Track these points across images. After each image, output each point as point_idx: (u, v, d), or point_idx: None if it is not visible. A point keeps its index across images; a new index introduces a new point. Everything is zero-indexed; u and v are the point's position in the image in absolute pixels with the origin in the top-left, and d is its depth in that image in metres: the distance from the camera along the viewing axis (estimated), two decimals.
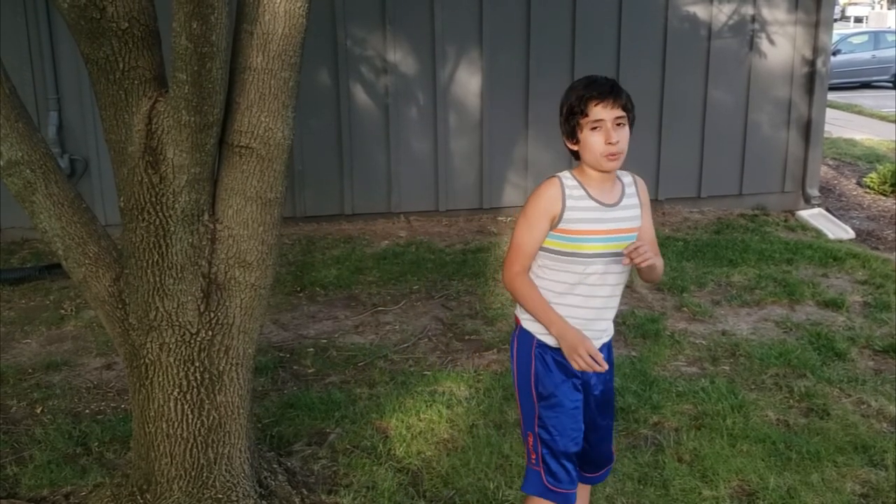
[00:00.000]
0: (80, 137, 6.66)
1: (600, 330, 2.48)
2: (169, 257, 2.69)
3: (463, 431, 3.64)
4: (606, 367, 2.37)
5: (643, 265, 2.31)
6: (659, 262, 2.46)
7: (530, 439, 2.49)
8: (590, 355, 2.31)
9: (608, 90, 2.29)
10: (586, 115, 2.29)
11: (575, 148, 2.37)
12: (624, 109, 2.31)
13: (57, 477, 3.29)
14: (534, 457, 2.48)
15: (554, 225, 2.35)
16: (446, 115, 7.17)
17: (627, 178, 2.49)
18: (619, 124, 2.30)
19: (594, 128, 2.29)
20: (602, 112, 2.28)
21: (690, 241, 6.67)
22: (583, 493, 2.72)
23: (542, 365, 2.44)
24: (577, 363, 2.31)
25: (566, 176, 2.39)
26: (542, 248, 2.40)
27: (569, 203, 2.34)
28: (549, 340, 2.44)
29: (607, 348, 2.55)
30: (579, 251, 2.36)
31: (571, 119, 2.33)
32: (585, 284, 2.39)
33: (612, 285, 2.43)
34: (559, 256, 2.38)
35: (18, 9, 6.36)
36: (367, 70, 7.02)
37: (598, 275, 2.38)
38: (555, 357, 2.43)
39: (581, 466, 2.57)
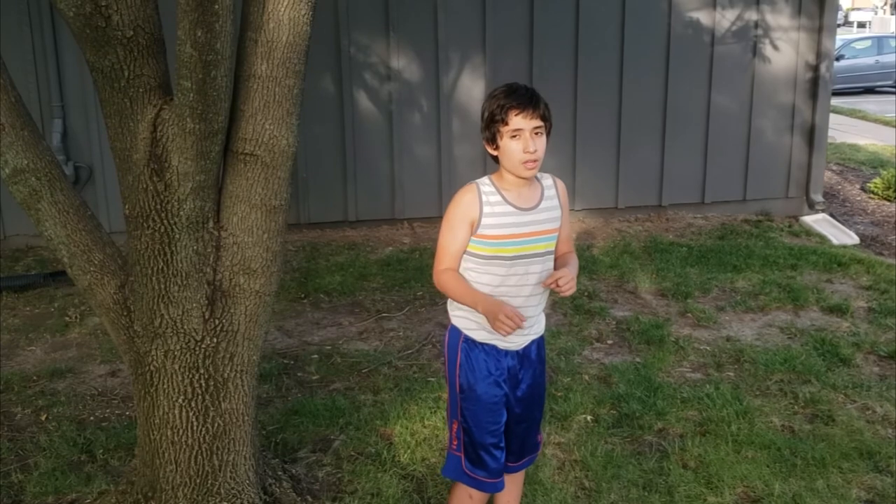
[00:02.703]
0: (84, 145, 6.67)
1: (526, 327, 2.52)
2: (174, 265, 2.69)
3: None
4: (525, 319, 2.38)
5: (567, 294, 2.41)
6: (574, 271, 2.52)
7: (454, 426, 2.60)
8: (509, 317, 2.31)
9: (528, 100, 2.38)
10: (506, 124, 2.39)
11: (495, 153, 2.46)
12: (542, 119, 2.40)
13: (61, 484, 3.30)
14: (455, 443, 2.60)
15: (474, 230, 2.44)
16: (450, 122, 7.18)
17: (547, 180, 2.58)
18: (537, 133, 2.40)
19: (513, 136, 2.39)
20: (521, 122, 2.37)
21: (694, 246, 6.66)
22: (511, 483, 2.77)
23: (467, 359, 2.54)
24: (502, 328, 2.32)
25: (484, 182, 2.49)
26: (466, 252, 2.49)
27: (486, 209, 2.44)
28: (476, 336, 2.53)
29: (537, 345, 2.62)
30: (499, 254, 2.45)
31: (492, 126, 2.42)
32: (506, 286, 2.48)
33: (532, 285, 2.51)
34: (481, 259, 2.47)
35: (23, 16, 6.38)
36: (371, 77, 7.04)
37: (519, 276, 2.48)
38: (479, 353, 2.53)
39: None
